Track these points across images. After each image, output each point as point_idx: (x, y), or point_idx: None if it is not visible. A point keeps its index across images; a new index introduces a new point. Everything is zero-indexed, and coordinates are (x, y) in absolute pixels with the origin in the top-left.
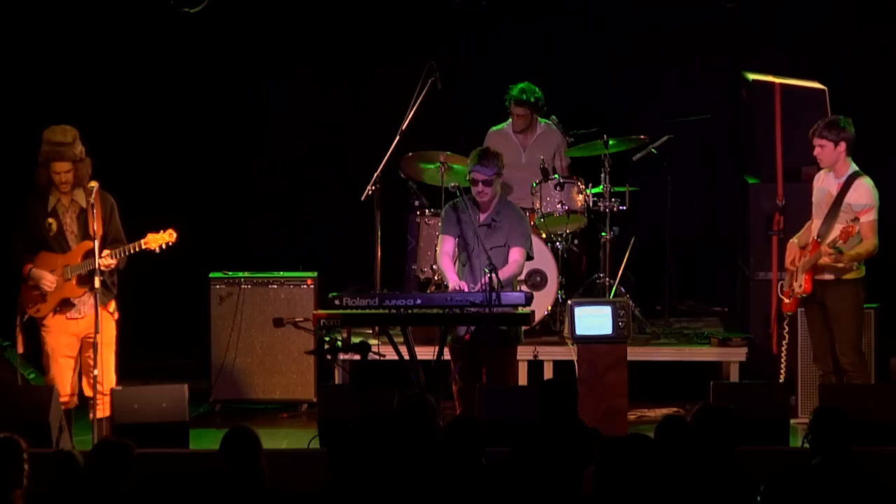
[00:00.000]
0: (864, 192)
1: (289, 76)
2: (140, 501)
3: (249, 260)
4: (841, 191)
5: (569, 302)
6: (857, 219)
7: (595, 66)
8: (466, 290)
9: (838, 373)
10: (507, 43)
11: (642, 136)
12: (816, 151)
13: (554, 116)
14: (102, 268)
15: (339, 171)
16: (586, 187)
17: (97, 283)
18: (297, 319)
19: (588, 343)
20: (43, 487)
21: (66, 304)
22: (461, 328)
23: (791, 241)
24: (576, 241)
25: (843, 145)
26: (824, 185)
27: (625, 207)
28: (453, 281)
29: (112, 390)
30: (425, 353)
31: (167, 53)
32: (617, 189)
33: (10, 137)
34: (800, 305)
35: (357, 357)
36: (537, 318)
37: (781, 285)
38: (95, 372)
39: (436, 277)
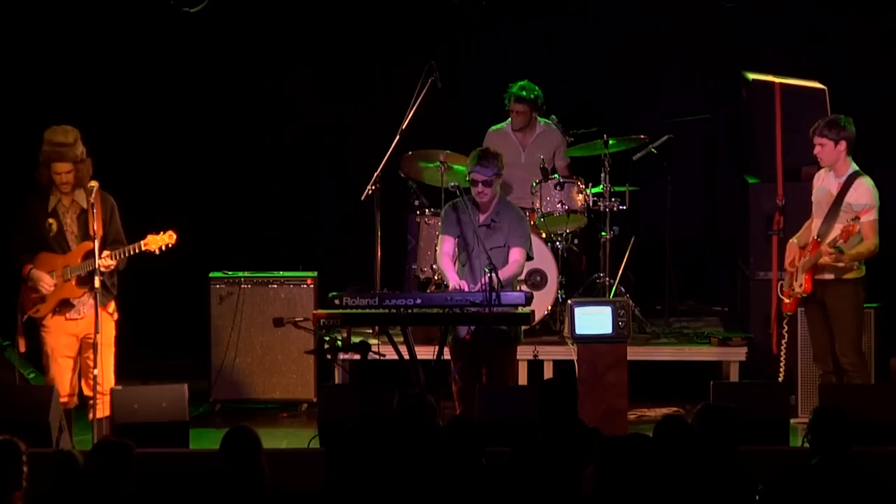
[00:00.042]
0: (864, 192)
1: (289, 76)
2: (140, 501)
3: (249, 260)
4: (841, 190)
5: (569, 302)
6: (857, 218)
7: (595, 66)
8: (467, 289)
9: (838, 373)
10: (507, 43)
11: (642, 136)
12: (817, 150)
13: (554, 116)
14: (102, 269)
15: (339, 171)
16: (586, 187)
17: (97, 283)
18: (297, 319)
19: (588, 343)
20: (43, 487)
21: (65, 305)
22: (462, 329)
23: (790, 241)
24: (576, 241)
25: (843, 144)
26: (824, 184)
27: (625, 207)
28: (454, 280)
29: (112, 390)
30: (425, 353)
31: (167, 53)
32: (617, 189)
33: (10, 137)
34: (800, 305)
35: (357, 357)
36: (537, 317)
37: (781, 285)
38: (95, 372)
39: (436, 277)
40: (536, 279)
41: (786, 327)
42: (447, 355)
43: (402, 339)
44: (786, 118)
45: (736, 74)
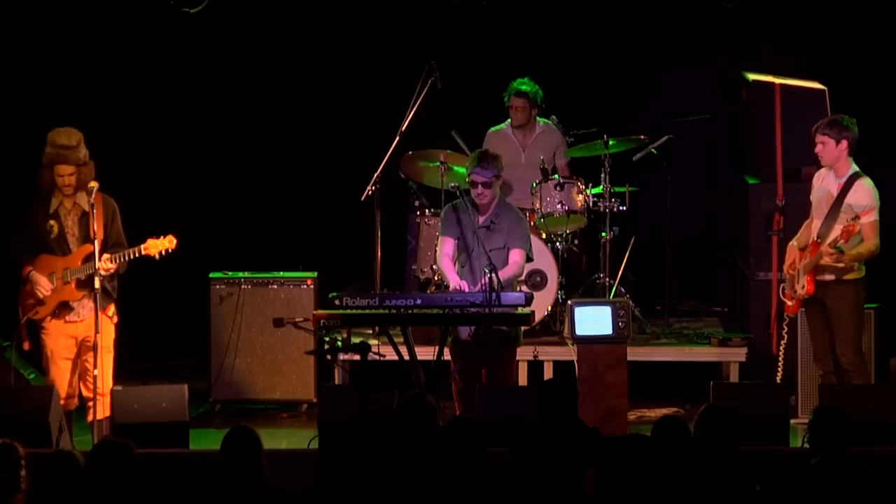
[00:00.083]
0: (864, 193)
1: (289, 76)
2: (140, 501)
3: (249, 260)
4: (841, 191)
5: (569, 302)
6: (857, 217)
7: (595, 66)
8: (467, 290)
9: (838, 373)
10: (507, 43)
11: (642, 136)
12: (818, 149)
13: (554, 116)
14: (102, 272)
15: (340, 172)
16: (586, 187)
17: (97, 284)
18: (297, 319)
19: (588, 343)
20: (43, 488)
21: (64, 308)
22: (463, 331)
23: (790, 243)
24: (576, 241)
25: (844, 144)
26: (824, 184)
27: (625, 207)
28: (454, 281)
29: (112, 390)
30: (425, 353)
31: (167, 54)
32: (617, 189)
33: (11, 138)
34: (801, 306)
35: (357, 357)
36: (537, 318)
37: (783, 288)
38: (95, 372)
39: (436, 277)
40: (536, 280)
41: (786, 328)
42: (447, 356)
43: (402, 339)
44: (786, 118)
45: (736, 74)
